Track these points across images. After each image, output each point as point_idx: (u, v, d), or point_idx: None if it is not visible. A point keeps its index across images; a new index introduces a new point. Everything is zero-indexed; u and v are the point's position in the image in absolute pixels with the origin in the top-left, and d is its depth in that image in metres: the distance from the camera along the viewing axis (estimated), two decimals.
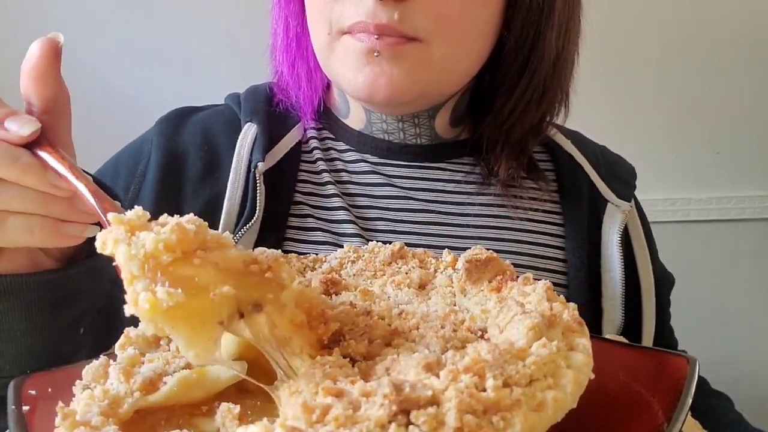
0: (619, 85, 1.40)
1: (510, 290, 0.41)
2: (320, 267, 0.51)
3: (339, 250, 0.53)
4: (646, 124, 1.45)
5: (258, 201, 0.65)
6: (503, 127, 0.71)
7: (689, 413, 0.39)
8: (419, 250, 0.52)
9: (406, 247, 0.51)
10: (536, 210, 0.72)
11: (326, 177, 0.71)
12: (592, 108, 0.75)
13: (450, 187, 0.72)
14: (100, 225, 0.44)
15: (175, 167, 0.69)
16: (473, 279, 0.44)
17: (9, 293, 0.47)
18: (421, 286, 0.46)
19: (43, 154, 0.41)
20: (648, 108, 1.46)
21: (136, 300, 0.30)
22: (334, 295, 0.45)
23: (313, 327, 0.35)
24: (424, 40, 0.60)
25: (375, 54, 0.59)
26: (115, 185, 0.69)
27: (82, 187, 0.40)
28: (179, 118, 0.74)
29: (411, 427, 0.27)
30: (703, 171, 1.50)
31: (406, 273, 0.47)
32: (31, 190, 0.42)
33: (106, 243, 0.32)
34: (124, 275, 0.31)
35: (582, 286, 0.68)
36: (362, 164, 0.72)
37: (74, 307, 0.53)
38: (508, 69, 0.68)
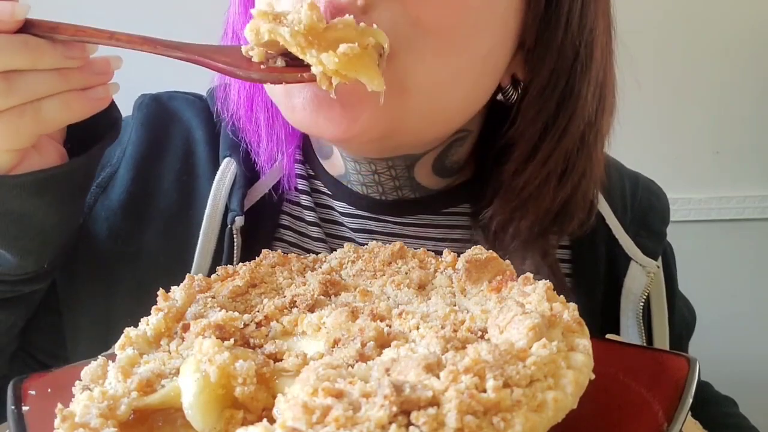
0: (618, 85, 1.40)
1: (510, 290, 0.40)
2: (320, 267, 0.50)
3: (339, 249, 0.53)
4: (645, 124, 1.45)
5: (235, 256, 0.58)
6: (512, 205, 0.57)
7: (689, 413, 0.39)
8: (419, 250, 0.52)
9: (405, 247, 0.51)
10: None
11: (311, 217, 0.62)
12: None
13: (445, 245, 0.60)
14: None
15: (146, 194, 0.62)
16: (473, 279, 0.43)
17: (47, 187, 0.48)
18: (421, 287, 0.45)
19: (42, 34, 0.42)
20: (648, 108, 1.45)
21: (319, 61, 0.39)
22: (333, 296, 0.45)
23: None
24: (394, 54, 0.45)
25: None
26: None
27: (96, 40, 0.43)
28: (162, 126, 0.65)
29: (411, 427, 0.27)
30: (703, 171, 1.50)
31: (406, 273, 0.47)
32: (49, 71, 0.42)
33: (259, 31, 0.39)
34: (295, 48, 0.39)
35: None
36: (347, 207, 0.63)
37: (86, 194, 0.57)
38: (526, 128, 0.54)
